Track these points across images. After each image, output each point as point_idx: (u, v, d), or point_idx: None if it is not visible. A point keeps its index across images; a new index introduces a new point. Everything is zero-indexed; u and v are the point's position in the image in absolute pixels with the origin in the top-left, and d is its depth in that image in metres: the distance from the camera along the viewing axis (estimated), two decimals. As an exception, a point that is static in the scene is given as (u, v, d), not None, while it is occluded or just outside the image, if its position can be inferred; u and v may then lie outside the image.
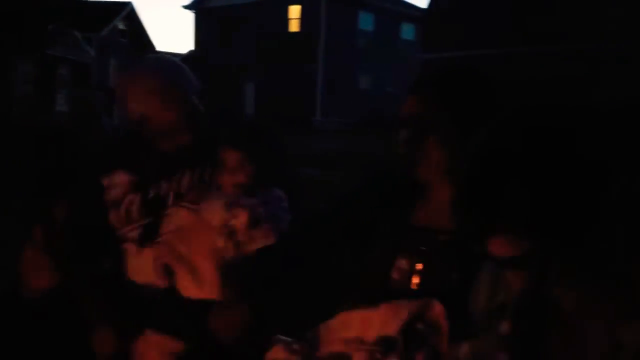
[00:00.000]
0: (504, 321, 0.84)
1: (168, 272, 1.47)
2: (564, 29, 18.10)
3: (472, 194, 0.77)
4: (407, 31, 26.30)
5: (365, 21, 24.88)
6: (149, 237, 1.52)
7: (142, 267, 1.51)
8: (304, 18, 23.89)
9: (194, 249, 1.44)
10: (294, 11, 24.25)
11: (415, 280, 1.17)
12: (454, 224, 1.15)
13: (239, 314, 1.31)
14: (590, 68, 16.87)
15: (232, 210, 1.38)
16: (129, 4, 25.38)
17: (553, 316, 0.81)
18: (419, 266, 1.17)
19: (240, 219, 1.37)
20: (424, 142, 1.17)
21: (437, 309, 1.01)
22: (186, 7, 27.49)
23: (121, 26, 24.95)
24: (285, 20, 24.30)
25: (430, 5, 22.69)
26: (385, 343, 1.02)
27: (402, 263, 1.20)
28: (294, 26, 24.31)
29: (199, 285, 1.42)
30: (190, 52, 26.48)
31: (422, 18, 23.82)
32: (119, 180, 1.57)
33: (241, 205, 1.38)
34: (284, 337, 1.18)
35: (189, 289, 1.43)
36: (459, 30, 20.07)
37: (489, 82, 1.21)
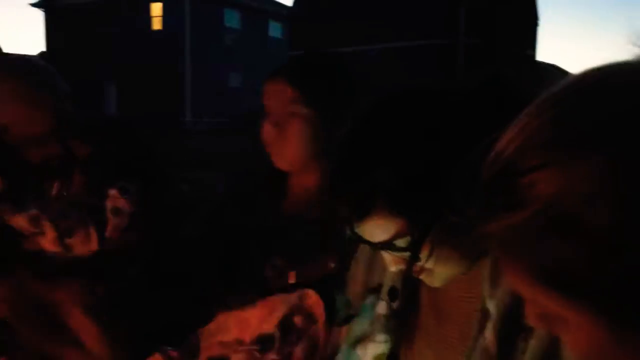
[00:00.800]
0: (380, 302, 0.85)
1: None
2: (422, 26, 19.27)
3: (344, 177, 0.77)
4: (275, 29, 26.48)
5: (232, 18, 24.66)
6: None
7: None
8: (166, 16, 23.14)
9: None
10: (156, 9, 23.40)
11: (292, 275, 1.16)
12: (325, 212, 1.17)
13: None
14: (445, 61, 18.10)
15: (38, 225, 1.28)
16: (-34, 1, 22.92)
17: (426, 293, 0.84)
18: (294, 261, 1.16)
19: (47, 236, 1.28)
20: (285, 130, 1.16)
21: (313, 298, 1.01)
22: (34, 4, 25.45)
23: (-42, 25, 22.43)
24: (147, 18, 23.38)
25: (295, 4, 23.04)
26: (263, 341, 1.00)
27: (276, 259, 1.18)
28: (156, 24, 23.46)
29: None
30: (42, 53, 24.55)
31: (288, 16, 24.14)
32: None
33: (47, 219, 1.28)
34: (166, 347, 1.12)
35: None
36: (323, 28, 20.60)
37: (344, 69, 1.23)
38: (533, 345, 0.69)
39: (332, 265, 1.14)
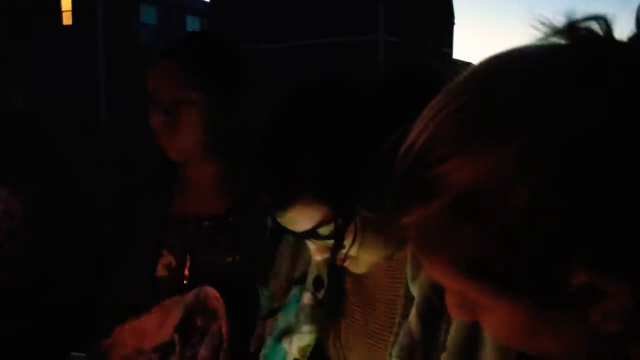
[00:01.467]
0: (305, 292, 0.84)
1: None
2: (343, 23, 19.51)
3: (265, 168, 0.75)
4: (193, 23, 25.91)
5: (148, 14, 23.89)
6: None
7: None
8: (77, 10, 22.08)
9: None
10: (66, 3, 22.27)
11: (187, 274, 1.11)
12: (221, 206, 1.13)
13: None
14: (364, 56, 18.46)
15: None
16: None
17: (351, 282, 0.84)
18: (188, 260, 1.12)
19: None
20: (177, 119, 1.08)
21: (211, 294, 0.97)
22: None
23: None
24: (57, 12, 22.20)
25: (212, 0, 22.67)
26: (163, 348, 0.96)
27: (169, 259, 1.13)
28: (67, 19, 22.33)
29: None
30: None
31: (206, 11, 23.71)
32: None
33: None
34: (76, 354, 1.06)
35: None
36: (241, 24, 20.40)
37: (237, 51, 1.18)
38: (455, 326, 0.69)
39: (230, 259, 1.10)
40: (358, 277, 0.82)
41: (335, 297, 0.83)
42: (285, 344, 0.84)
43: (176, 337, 0.95)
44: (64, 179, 1.31)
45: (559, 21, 0.45)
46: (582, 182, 0.41)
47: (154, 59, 1.13)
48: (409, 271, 0.74)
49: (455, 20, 24.24)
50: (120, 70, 22.07)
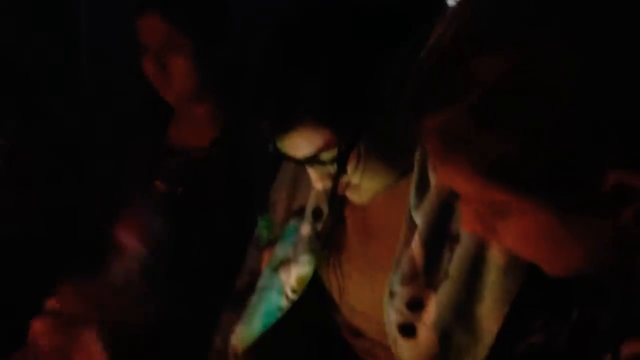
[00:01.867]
0: (304, 223, 0.82)
1: None
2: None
3: (265, 91, 0.72)
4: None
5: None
6: None
7: None
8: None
9: None
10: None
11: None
12: (211, 139, 1.18)
13: None
14: None
15: None
16: None
17: (352, 213, 0.82)
18: (180, 189, 1.17)
19: None
20: (168, 65, 1.14)
21: None
22: None
23: None
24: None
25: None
26: None
27: (160, 187, 1.18)
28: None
29: None
30: None
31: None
32: None
33: None
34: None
35: None
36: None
37: None
38: (459, 253, 0.68)
39: (221, 188, 1.15)
40: (359, 209, 0.80)
41: (334, 227, 0.81)
42: (282, 274, 0.82)
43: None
44: (43, 118, 1.30)
45: None
46: (612, 80, 0.39)
47: (138, 6, 1.16)
48: (412, 199, 0.72)
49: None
50: (103, 16, 21.55)
